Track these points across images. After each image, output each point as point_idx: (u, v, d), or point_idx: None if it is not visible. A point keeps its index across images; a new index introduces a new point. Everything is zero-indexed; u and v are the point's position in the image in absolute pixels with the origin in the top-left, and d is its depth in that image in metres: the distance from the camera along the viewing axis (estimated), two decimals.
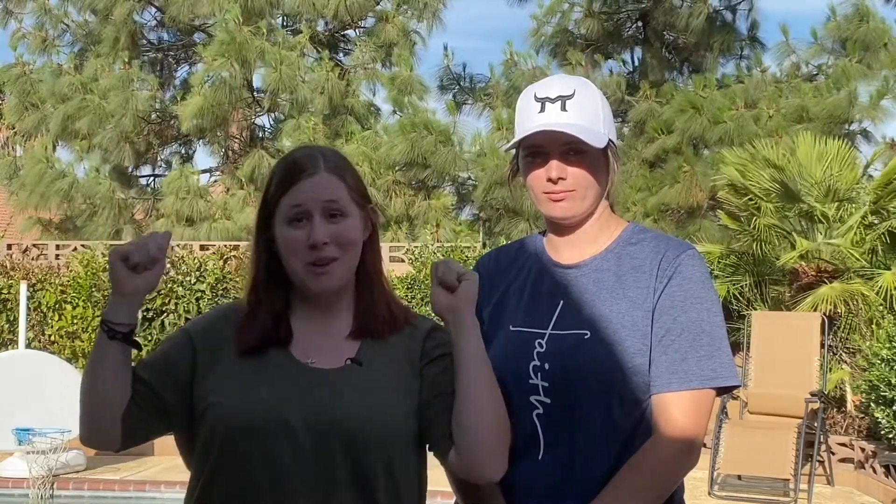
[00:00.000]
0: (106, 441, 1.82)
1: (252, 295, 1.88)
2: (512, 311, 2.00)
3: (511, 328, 1.98)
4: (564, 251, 2.01)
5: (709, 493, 7.41)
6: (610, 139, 1.96)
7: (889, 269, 9.24)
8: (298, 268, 1.81)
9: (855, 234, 9.32)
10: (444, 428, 1.80)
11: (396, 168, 14.35)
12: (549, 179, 1.93)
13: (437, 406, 1.81)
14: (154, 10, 16.56)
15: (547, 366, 1.91)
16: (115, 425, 1.78)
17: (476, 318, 1.83)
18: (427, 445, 1.85)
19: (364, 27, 16.75)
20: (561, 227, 2.00)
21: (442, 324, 1.87)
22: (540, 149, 1.94)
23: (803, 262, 9.45)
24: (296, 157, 1.88)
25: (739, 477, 7.75)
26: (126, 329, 1.76)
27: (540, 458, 1.90)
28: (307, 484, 1.72)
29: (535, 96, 1.96)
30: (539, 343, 1.93)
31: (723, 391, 1.91)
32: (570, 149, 1.92)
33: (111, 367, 1.77)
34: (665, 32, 16.33)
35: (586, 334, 1.90)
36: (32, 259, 12.20)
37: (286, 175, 1.84)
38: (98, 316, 9.88)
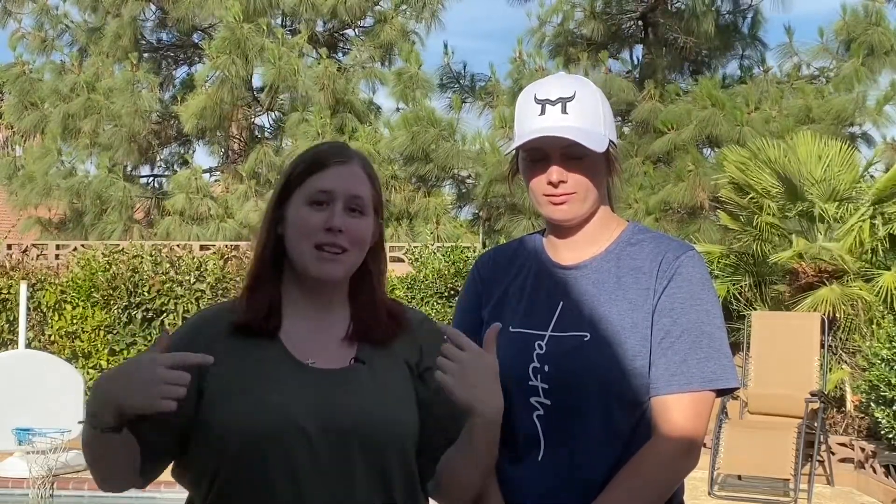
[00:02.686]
0: (126, 487, 1.84)
1: (254, 279, 1.84)
2: (511, 312, 2.00)
3: (511, 329, 1.97)
4: (564, 252, 2.00)
5: (709, 493, 7.41)
6: (610, 140, 1.95)
7: (889, 269, 9.24)
8: (306, 249, 1.77)
9: (856, 235, 9.32)
10: (433, 452, 1.80)
11: (397, 164, 14.36)
12: (550, 183, 1.92)
13: (432, 426, 1.80)
14: (154, 9, 16.55)
15: (547, 368, 1.90)
16: (134, 477, 1.80)
17: (489, 411, 1.73)
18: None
19: (363, 27, 16.77)
20: (561, 229, 1.99)
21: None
22: (540, 152, 1.93)
23: (803, 263, 9.45)
24: (331, 145, 1.88)
25: (739, 477, 7.75)
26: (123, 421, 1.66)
27: (540, 459, 1.90)
28: (326, 487, 1.70)
29: (535, 98, 1.94)
30: (539, 345, 1.92)
31: (722, 393, 1.91)
32: (570, 152, 1.91)
33: (118, 445, 1.70)
34: (668, 33, 16.31)
35: (586, 336, 1.89)
36: (32, 259, 12.19)
37: (318, 157, 1.83)
38: (97, 316, 9.90)
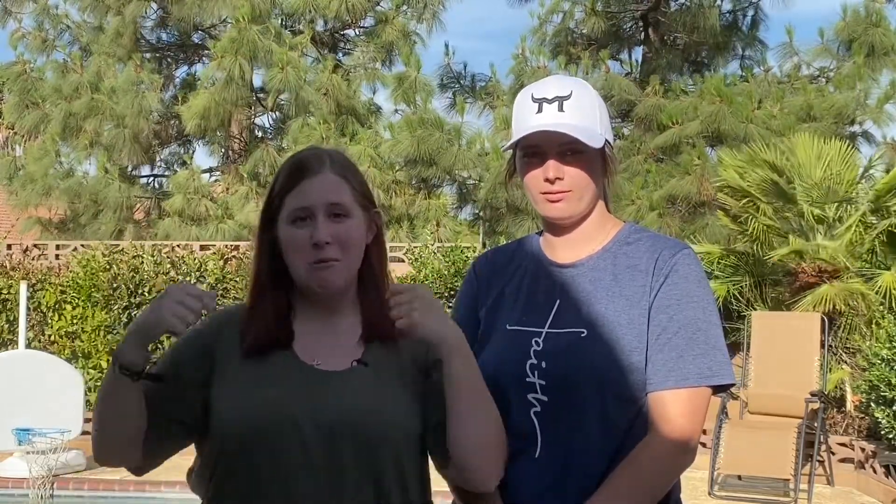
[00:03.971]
0: (123, 462, 1.83)
1: (255, 294, 1.87)
2: (509, 311, 2.01)
3: (508, 327, 1.99)
4: (561, 251, 2.02)
5: (709, 493, 7.41)
6: (607, 139, 1.97)
7: (889, 269, 9.24)
8: (302, 267, 1.81)
9: (854, 234, 9.32)
10: (442, 438, 1.81)
11: (398, 167, 14.35)
12: (547, 179, 1.93)
13: (438, 414, 1.81)
14: (155, 8, 16.54)
15: (544, 364, 1.91)
16: (134, 450, 1.79)
17: (458, 336, 1.81)
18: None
19: (364, 27, 16.77)
20: (558, 227, 2.01)
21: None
22: (537, 149, 1.95)
23: (803, 263, 9.44)
24: (301, 157, 1.88)
25: (739, 477, 7.75)
26: (144, 367, 1.73)
27: (537, 455, 1.91)
28: (318, 483, 1.72)
29: (532, 97, 1.97)
30: (536, 342, 1.93)
31: (719, 389, 1.92)
32: (567, 149, 1.92)
33: (133, 402, 1.74)
34: (668, 33, 16.30)
35: (583, 332, 1.91)
36: (32, 259, 12.19)
37: (291, 174, 1.84)
38: (97, 317, 9.89)
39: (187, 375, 1.81)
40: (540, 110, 1.94)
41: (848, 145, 10.18)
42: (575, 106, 1.94)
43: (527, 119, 1.95)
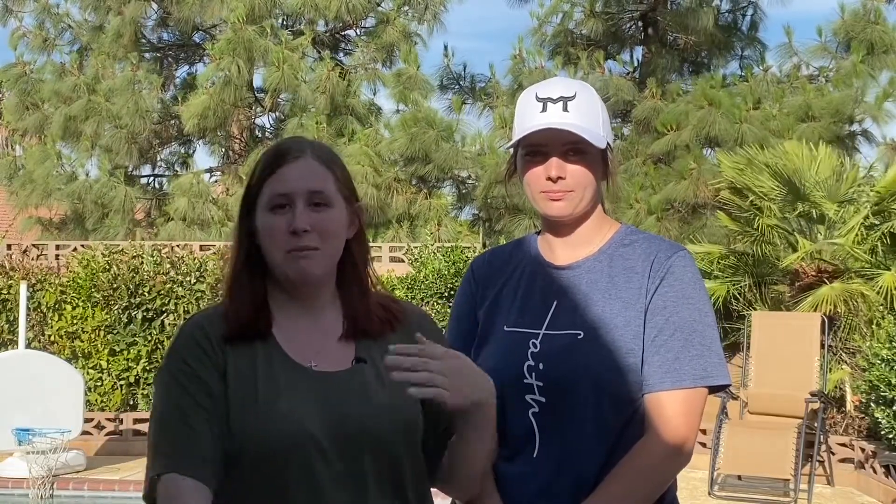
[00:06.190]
0: None
1: (233, 283, 1.80)
2: (506, 312, 2.02)
3: (505, 328, 1.99)
4: (559, 252, 2.03)
5: (709, 493, 7.41)
6: (608, 142, 1.98)
7: (889, 269, 9.23)
8: (279, 255, 1.74)
9: (857, 234, 9.31)
10: (436, 444, 1.82)
11: (397, 166, 14.35)
12: (549, 178, 1.94)
13: (430, 419, 1.80)
14: (155, 8, 16.54)
15: (541, 366, 1.92)
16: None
17: (491, 395, 1.80)
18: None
19: (364, 27, 16.77)
20: (557, 227, 2.01)
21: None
22: (541, 147, 1.95)
23: (804, 263, 9.44)
24: (282, 143, 1.84)
25: (739, 477, 7.75)
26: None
27: (535, 455, 1.92)
28: (342, 494, 1.68)
29: (536, 96, 1.97)
30: (533, 343, 1.94)
31: (715, 390, 1.93)
32: (570, 149, 1.93)
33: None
34: (668, 33, 16.29)
35: (579, 334, 1.92)
36: (32, 259, 12.19)
37: (272, 159, 1.79)
38: (97, 317, 9.89)
39: (217, 391, 1.71)
40: (544, 109, 1.95)
41: (837, 153, 10.15)
42: (579, 107, 1.95)
43: (531, 117, 1.96)
